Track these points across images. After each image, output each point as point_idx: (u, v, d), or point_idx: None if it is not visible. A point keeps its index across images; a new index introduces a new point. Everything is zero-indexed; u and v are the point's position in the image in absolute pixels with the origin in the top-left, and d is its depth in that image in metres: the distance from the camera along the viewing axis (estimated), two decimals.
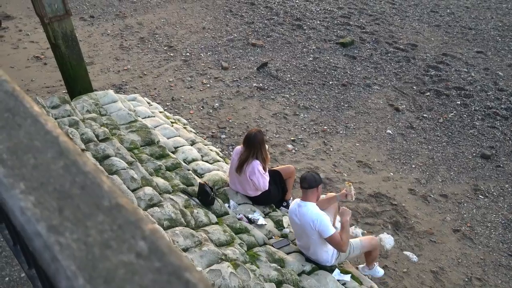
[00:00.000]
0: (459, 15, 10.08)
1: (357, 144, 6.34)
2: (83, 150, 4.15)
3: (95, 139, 4.44)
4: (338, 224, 4.22)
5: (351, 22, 9.63)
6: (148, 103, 6.27)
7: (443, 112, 7.04)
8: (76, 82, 5.79)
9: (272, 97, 7.24)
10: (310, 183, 3.82)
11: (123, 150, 4.42)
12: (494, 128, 6.72)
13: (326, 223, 3.73)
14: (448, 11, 10.28)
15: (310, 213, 3.76)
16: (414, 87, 7.62)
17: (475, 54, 8.63)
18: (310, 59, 8.32)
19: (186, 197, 4.14)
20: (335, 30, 9.32)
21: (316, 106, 7.06)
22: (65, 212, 0.62)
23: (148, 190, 3.83)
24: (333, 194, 4.38)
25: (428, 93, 7.45)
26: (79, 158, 0.71)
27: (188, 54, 8.36)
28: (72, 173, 0.68)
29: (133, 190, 3.83)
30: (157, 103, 6.71)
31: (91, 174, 0.68)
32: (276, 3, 10.41)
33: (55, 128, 0.77)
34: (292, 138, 6.34)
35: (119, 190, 0.65)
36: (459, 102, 7.24)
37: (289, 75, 7.81)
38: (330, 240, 3.75)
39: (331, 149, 6.20)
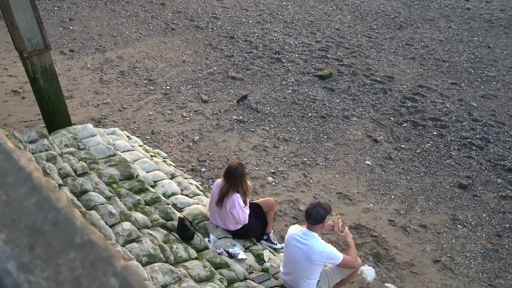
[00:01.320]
0: (433, 48, 10.36)
1: (337, 176, 6.37)
2: (60, 185, 4.09)
3: (73, 173, 4.39)
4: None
5: (329, 55, 9.82)
6: (128, 136, 6.24)
7: (420, 142, 7.15)
8: (55, 116, 5.75)
9: (252, 129, 7.29)
10: (315, 220, 3.85)
11: (101, 184, 4.36)
12: (470, 158, 6.84)
13: (334, 252, 3.86)
14: (422, 44, 10.57)
15: (318, 245, 3.82)
16: (392, 118, 7.75)
17: (450, 85, 8.84)
18: (289, 91, 8.42)
19: (166, 232, 4.09)
20: (313, 63, 9.49)
21: (296, 138, 7.12)
22: (36, 249, 0.61)
23: (127, 225, 3.78)
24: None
25: (405, 124, 7.58)
26: (52, 194, 0.71)
27: (168, 87, 8.39)
28: (44, 209, 0.68)
29: (111, 226, 3.77)
30: (137, 136, 6.69)
31: (63, 210, 0.67)
32: (255, 37, 10.58)
33: (29, 164, 0.77)
34: (272, 171, 6.36)
35: (92, 226, 0.65)
36: (435, 133, 7.37)
37: (268, 108, 7.88)
38: (344, 264, 3.91)
39: (311, 181, 6.22)
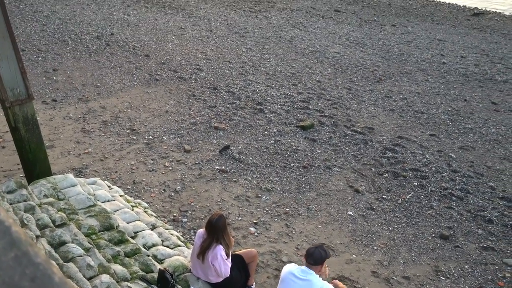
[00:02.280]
0: (411, 100, 10.63)
1: (319, 226, 6.35)
2: (37, 236, 4.00)
3: (51, 224, 4.31)
4: None
5: (310, 106, 9.99)
6: (109, 186, 6.18)
7: (401, 193, 7.21)
8: (35, 166, 5.70)
9: (234, 179, 7.28)
10: (316, 261, 3.84)
11: (80, 235, 4.28)
12: (451, 208, 6.90)
13: None
14: (401, 96, 10.84)
15: (317, 280, 3.83)
16: (373, 168, 7.83)
17: (428, 137, 9.02)
18: (272, 141, 8.49)
19: (145, 284, 4.00)
20: (295, 113, 9.63)
21: (278, 188, 7.12)
22: None
23: (105, 278, 3.69)
24: None
25: (386, 175, 7.66)
26: (31, 249, 0.70)
27: (150, 137, 8.41)
28: (22, 264, 0.67)
29: (89, 279, 3.68)
30: (118, 186, 6.63)
31: (42, 265, 0.67)
32: (238, 87, 10.74)
33: (7, 218, 0.77)
34: (254, 221, 6.31)
35: (70, 281, 0.65)
36: (416, 183, 7.45)
37: (251, 158, 7.92)
38: None
39: (294, 232, 6.19)
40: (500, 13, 22.11)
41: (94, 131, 8.51)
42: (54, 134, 8.34)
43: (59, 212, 4.60)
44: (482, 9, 22.63)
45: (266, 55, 13.17)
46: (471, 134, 9.21)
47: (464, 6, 23.17)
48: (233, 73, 11.68)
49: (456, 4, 23.75)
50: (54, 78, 10.71)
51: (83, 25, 14.68)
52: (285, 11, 19.16)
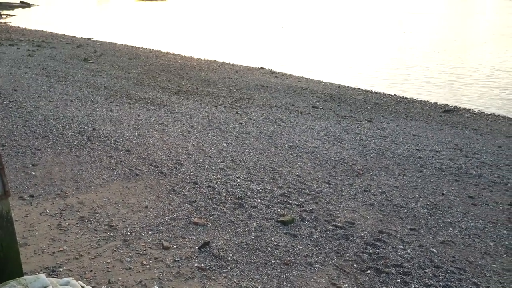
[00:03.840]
0: (390, 195, 10.75)
1: None
2: None
3: None
4: None
5: (290, 201, 10.01)
6: (82, 287, 5.93)
7: None
8: (6, 265, 5.47)
9: (214, 277, 7.07)
10: None
11: None
12: None
13: None
14: (380, 190, 10.97)
15: None
16: (355, 265, 7.71)
17: (409, 231, 9.02)
18: (252, 237, 8.38)
19: None
20: (275, 208, 9.62)
21: (259, 287, 6.92)
22: None
23: None
24: None
25: (368, 271, 7.53)
26: None
27: (128, 233, 8.24)
28: None
29: None
30: (92, 286, 6.37)
31: None
32: (219, 182, 10.78)
33: None
34: None
35: None
36: (399, 280, 7.32)
37: (231, 254, 7.76)
38: None
39: None
40: (469, 109, 23.18)
41: (70, 227, 8.33)
42: (28, 231, 8.12)
43: None
44: (452, 106, 23.72)
45: (246, 150, 13.38)
46: (450, 229, 9.25)
47: (436, 103, 24.28)
48: (214, 167, 11.78)
49: (427, 101, 24.89)
50: (33, 173, 10.63)
51: (65, 121, 14.87)
52: (265, 107, 19.78)
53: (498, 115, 22.23)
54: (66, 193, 9.76)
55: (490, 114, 22.23)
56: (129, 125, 15.09)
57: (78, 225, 8.45)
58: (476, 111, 22.89)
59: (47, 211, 8.92)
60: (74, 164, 11.38)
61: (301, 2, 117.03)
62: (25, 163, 11.16)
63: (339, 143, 14.83)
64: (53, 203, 9.24)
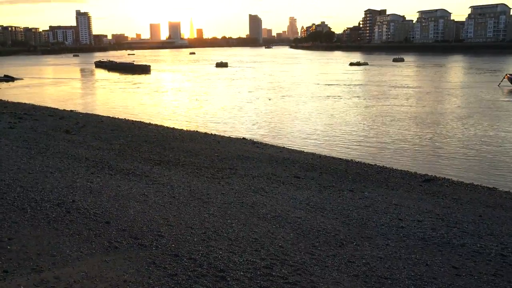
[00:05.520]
0: (374, 265, 10.63)
1: None
2: None
3: None
4: None
5: (273, 273, 9.81)
6: None
7: None
8: None
9: None
10: None
11: None
12: None
13: None
14: (364, 261, 10.85)
15: None
16: None
17: None
18: None
19: None
20: (258, 281, 9.40)
21: None
22: None
23: None
24: None
25: None
26: None
27: None
28: None
29: None
30: None
31: None
32: (200, 254, 10.57)
33: None
34: None
35: None
36: None
37: None
38: None
39: None
40: (449, 179, 23.54)
41: None
42: None
43: None
44: (432, 175, 24.07)
45: (228, 221, 13.25)
46: None
47: (415, 173, 24.65)
48: (195, 239, 11.58)
49: (407, 170, 25.28)
50: (8, 247, 10.31)
51: (44, 193, 14.65)
52: (247, 177, 19.83)
53: (477, 184, 22.59)
54: (42, 267, 9.44)
55: (469, 184, 22.57)
56: (110, 196, 14.92)
57: None
58: (455, 180, 23.26)
59: (21, 287, 8.58)
60: (52, 237, 11.10)
61: (300, 74, 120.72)
62: (1, 237, 10.84)
63: (322, 213, 14.80)
64: (28, 279, 8.91)
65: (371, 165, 26.42)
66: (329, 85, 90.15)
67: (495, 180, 24.81)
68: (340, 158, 28.10)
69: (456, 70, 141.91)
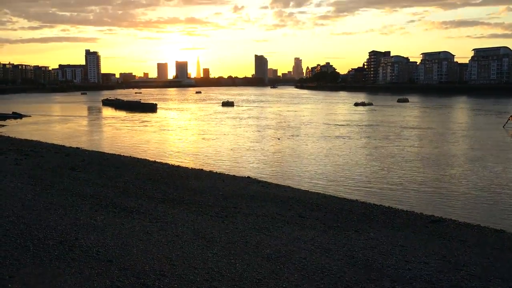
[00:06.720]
0: None
1: None
2: None
3: None
4: None
5: None
6: None
7: None
8: None
9: None
10: None
11: None
12: None
13: None
14: None
15: None
16: None
17: None
18: None
19: None
20: None
21: None
22: None
23: None
24: None
25: None
26: None
27: None
28: None
29: None
30: None
31: None
32: None
33: None
34: None
35: None
36: None
37: None
38: None
39: None
40: (455, 220, 23.25)
41: None
42: None
43: None
44: (438, 216, 23.80)
45: (232, 261, 13.07)
46: None
47: (421, 213, 24.39)
48: (198, 279, 11.41)
49: (413, 211, 25.03)
50: (9, 285, 10.18)
51: (47, 230, 14.57)
52: (251, 217, 19.67)
53: (484, 226, 22.28)
54: None
55: (476, 225, 22.27)
56: (113, 234, 14.81)
57: None
58: (462, 221, 22.96)
59: None
60: (53, 275, 10.96)
61: (308, 114, 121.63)
62: (2, 275, 10.72)
63: (327, 254, 14.59)
64: None
65: (377, 205, 26.20)
66: (337, 125, 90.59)
67: (502, 222, 24.51)
68: (345, 198, 27.92)
69: (461, 111, 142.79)
